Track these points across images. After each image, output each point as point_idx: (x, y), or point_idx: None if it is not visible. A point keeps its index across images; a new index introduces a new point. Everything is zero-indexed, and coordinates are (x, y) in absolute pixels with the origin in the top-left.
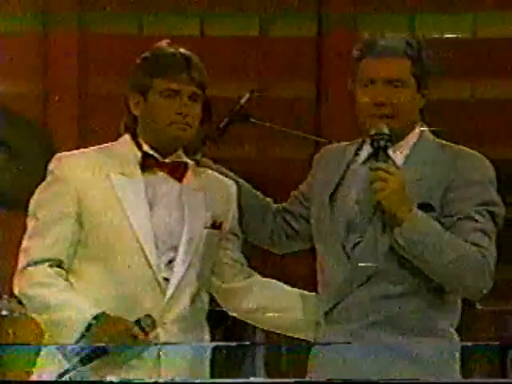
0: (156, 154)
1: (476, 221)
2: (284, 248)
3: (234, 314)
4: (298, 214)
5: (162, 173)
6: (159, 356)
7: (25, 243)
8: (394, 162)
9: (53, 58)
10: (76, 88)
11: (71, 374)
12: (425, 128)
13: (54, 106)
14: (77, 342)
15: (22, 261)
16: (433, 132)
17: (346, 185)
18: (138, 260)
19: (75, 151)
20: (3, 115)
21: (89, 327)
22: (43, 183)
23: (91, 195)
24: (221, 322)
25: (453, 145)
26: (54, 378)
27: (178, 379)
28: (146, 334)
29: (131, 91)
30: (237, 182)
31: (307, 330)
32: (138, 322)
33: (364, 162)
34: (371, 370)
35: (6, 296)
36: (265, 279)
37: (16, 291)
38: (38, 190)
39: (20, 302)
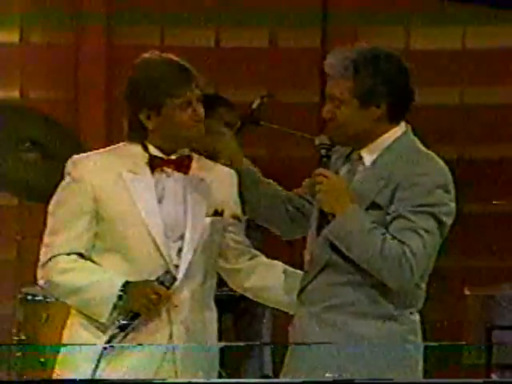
0: (162, 154)
1: (408, 219)
2: (290, 232)
3: (238, 291)
4: (307, 199)
5: (169, 169)
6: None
7: (46, 239)
8: (329, 166)
9: (83, 66)
10: (103, 94)
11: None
12: (398, 132)
13: (83, 109)
14: (110, 313)
15: (45, 255)
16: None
17: None
18: (151, 250)
19: (88, 153)
20: (37, 118)
21: (119, 298)
22: (61, 184)
23: (105, 192)
24: (230, 309)
25: (422, 149)
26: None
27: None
28: (168, 288)
29: (141, 106)
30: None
31: None
32: (158, 279)
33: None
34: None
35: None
36: (268, 260)
37: (41, 282)
38: (56, 191)
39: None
